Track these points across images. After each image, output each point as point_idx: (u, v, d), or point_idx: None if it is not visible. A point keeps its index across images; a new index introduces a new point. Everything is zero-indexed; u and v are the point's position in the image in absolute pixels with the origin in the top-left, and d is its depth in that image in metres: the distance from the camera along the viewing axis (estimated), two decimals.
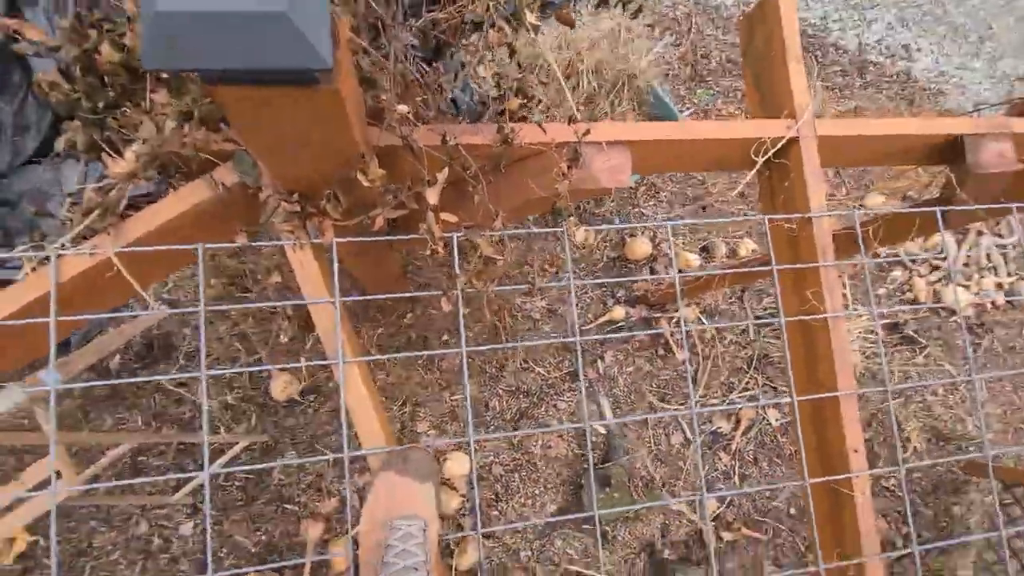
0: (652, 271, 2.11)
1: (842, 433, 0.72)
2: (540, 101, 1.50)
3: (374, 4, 0.59)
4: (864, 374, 2.12)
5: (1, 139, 1.88)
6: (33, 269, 0.52)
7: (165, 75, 0.51)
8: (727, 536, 1.91)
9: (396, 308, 1.88)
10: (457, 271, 0.59)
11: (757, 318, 2.16)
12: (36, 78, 0.54)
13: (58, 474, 1.22)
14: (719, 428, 2.01)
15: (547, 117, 1.65)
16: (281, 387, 1.76)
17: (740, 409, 2.01)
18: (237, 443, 1.70)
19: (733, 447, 1.98)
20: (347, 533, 1.74)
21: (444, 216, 0.63)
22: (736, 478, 1.96)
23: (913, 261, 2.28)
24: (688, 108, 2.35)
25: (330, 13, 0.34)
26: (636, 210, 2.19)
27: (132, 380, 0.82)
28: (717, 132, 0.78)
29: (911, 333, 2.21)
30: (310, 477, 1.78)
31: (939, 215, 0.84)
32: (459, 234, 0.62)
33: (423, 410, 1.86)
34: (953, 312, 2.24)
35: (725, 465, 1.98)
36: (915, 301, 2.25)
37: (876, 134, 0.86)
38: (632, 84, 2.06)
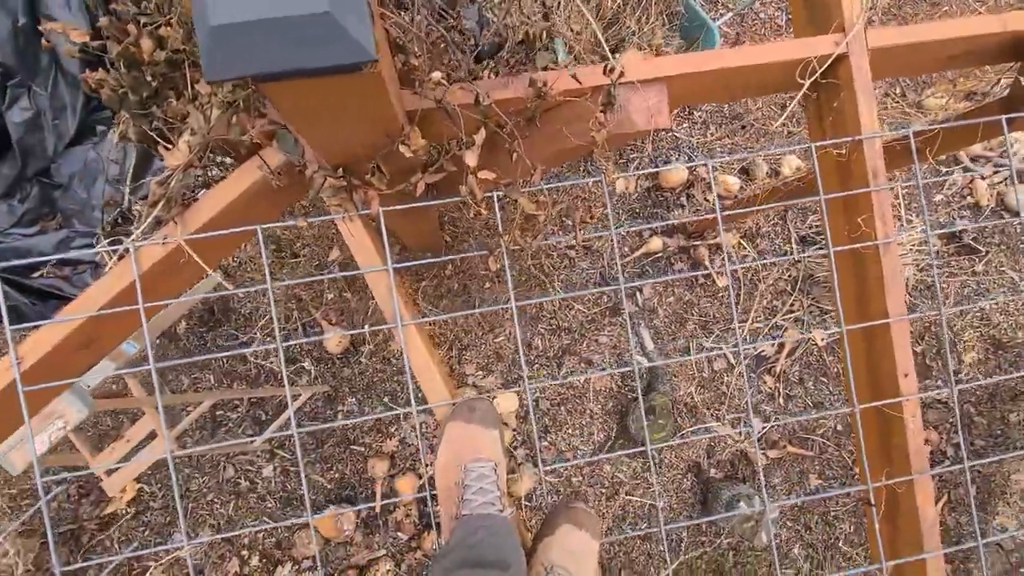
0: (689, 197, 2.06)
1: (892, 358, 0.72)
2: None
3: None
4: (917, 287, 2.05)
5: (43, 123, 1.94)
6: (117, 259, 0.57)
7: None
8: (773, 454, 1.96)
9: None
10: (500, 230, 0.60)
11: (801, 238, 2.09)
12: (81, 77, 0.56)
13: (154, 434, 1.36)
14: (763, 351, 2.01)
15: (569, 47, 1.57)
16: (336, 341, 1.86)
17: (785, 330, 2.00)
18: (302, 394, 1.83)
19: (777, 369, 1.99)
20: (411, 470, 1.89)
21: (482, 174, 0.63)
22: (781, 399, 1.99)
23: (975, 160, 2.12)
24: (723, 14, 2.17)
25: (368, 4, 0.34)
26: (669, 134, 2.11)
27: (224, 353, 0.89)
28: (759, 57, 0.73)
29: (970, 241, 2.10)
30: (371, 420, 1.91)
31: (1004, 123, 0.78)
32: (499, 192, 0.62)
33: (469, 353, 1.94)
34: (1017, 214, 2.11)
35: (770, 387, 2.00)
36: (976, 206, 2.12)
37: (933, 39, 0.79)
38: None
